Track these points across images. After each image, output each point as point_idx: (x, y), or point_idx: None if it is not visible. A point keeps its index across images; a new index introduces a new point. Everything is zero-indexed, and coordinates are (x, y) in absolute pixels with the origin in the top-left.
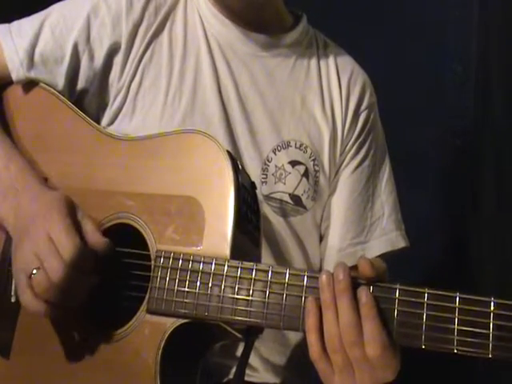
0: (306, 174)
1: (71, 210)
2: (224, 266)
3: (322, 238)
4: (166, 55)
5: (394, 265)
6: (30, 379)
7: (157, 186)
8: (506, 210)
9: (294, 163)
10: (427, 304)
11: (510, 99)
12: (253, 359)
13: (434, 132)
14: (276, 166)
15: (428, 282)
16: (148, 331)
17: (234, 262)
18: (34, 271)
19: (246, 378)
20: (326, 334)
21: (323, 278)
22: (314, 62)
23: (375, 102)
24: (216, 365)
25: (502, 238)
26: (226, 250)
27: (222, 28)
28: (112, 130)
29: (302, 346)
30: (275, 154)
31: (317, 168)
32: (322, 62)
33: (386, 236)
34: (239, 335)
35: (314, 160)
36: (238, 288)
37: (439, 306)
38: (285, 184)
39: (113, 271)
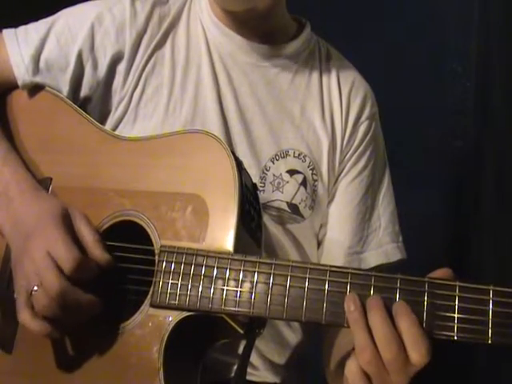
0: (303, 183)
1: (68, 222)
2: (228, 259)
3: (319, 246)
4: (169, 65)
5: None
6: (33, 374)
7: (161, 184)
8: (506, 210)
9: (292, 172)
10: (428, 292)
11: (510, 99)
12: (254, 358)
13: (435, 132)
14: (274, 175)
15: None
16: (152, 324)
17: (238, 256)
18: (35, 288)
19: (247, 377)
20: (362, 356)
21: (347, 299)
22: (315, 71)
23: (377, 112)
24: (218, 362)
25: (502, 238)
26: (229, 244)
27: (224, 38)
28: None
29: (300, 346)
30: (273, 162)
31: (315, 177)
32: (324, 72)
33: (382, 248)
34: (241, 330)
35: (312, 169)
36: (242, 281)
37: (439, 294)
38: (282, 193)
39: (117, 267)
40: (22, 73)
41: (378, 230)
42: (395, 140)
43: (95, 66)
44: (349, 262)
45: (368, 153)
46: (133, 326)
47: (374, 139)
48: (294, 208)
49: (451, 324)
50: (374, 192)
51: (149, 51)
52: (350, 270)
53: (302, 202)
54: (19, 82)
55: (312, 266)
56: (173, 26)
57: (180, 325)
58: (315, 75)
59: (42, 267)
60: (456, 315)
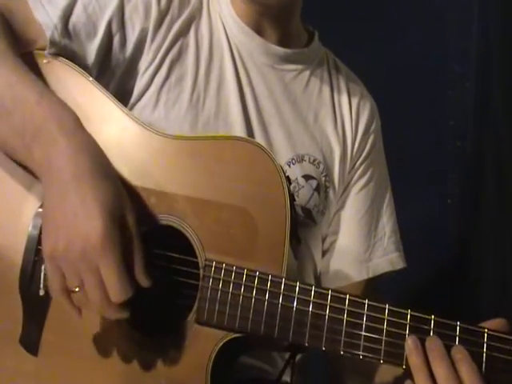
0: (317, 189)
1: (122, 232)
2: (281, 283)
3: (324, 252)
4: (193, 55)
5: None
6: (59, 379)
7: (207, 192)
8: (506, 210)
9: (307, 177)
10: (487, 344)
11: (510, 99)
12: (276, 357)
13: (435, 133)
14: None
15: (428, 281)
16: (198, 342)
17: (292, 282)
18: (77, 289)
19: (265, 375)
20: None
21: (409, 343)
22: (326, 79)
23: (380, 127)
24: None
25: (502, 238)
26: (281, 266)
27: (243, 36)
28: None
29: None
30: (289, 166)
31: (328, 184)
32: (334, 81)
33: (387, 256)
34: (285, 350)
35: (325, 176)
36: (297, 308)
37: (498, 347)
38: (298, 197)
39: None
40: (50, 28)
41: (383, 238)
42: (395, 141)
43: (124, 41)
44: (358, 270)
45: (374, 165)
46: (176, 341)
47: (379, 152)
48: (307, 213)
49: (510, 377)
50: (378, 203)
51: (171, 34)
52: (408, 312)
53: (315, 207)
54: (47, 35)
55: (370, 303)
56: (194, 17)
57: (228, 343)
58: (326, 84)
59: (89, 285)
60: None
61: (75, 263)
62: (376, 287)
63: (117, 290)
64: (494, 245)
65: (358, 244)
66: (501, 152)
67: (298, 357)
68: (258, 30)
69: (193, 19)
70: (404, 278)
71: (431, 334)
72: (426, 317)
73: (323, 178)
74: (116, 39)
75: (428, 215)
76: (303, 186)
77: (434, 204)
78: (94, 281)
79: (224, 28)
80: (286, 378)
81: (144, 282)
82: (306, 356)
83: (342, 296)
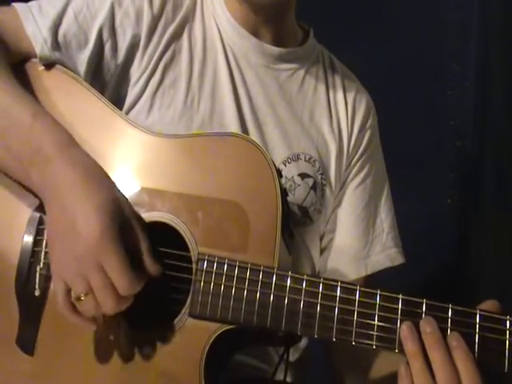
0: (314, 187)
1: (122, 225)
2: (272, 274)
3: (322, 250)
4: (186, 58)
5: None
6: (55, 379)
7: (199, 187)
8: (506, 210)
9: (303, 176)
10: (479, 325)
11: (510, 99)
12: (274, 356)
13: (434, 133)
14: (286, 178)
15: (428, 281)
16: (191, 335)
17: (283, 272)
18: (83, 297)
19: (262, 375)
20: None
21: (404, 329)
22: (321, 77)
23: (377, 123)
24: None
25: (501, 238)
26: (272, 258)
27: (237, 37)
28: None
29: (308, 346)
30: (285, 165)
31: (324, 182)
32: (329, 79)
33: (386, 252)
34: (278, 343)
35: (321, 174)
36: (289, 298)
37: (490, 327)
38: (294, 195)
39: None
40: (39, 43)
41: (381, 234)
42: (395, 141)
43: (115, 48)
44: (356, 267)
45: (371, 161)
46: (170, 335)
47: (376, 148)
48: (303, 211)
49: (502, 357)
50: (376, 199)
51: (165, 39)
52: (400, 296)
53: (312, 205)
54: (37, 50)
55: (361, 289)
56: (187, 19)
57: (220, 336)
58: (321, 82)
59: (96, 282)
60: (507, 349)
61: (81, 268)
62: (375, 285)
63: (124, 284)
64: (493, 245)
65: (355, 241)
66: (500, 151)
67: (296, 356)
68: (252, 30)
69: (186, 21)
70: (403, 277)
71: (422, 316)
72: (418, 300)
73: (319, 176)
74: (107, 47)
75: (428, 215)
76: (299, 185)
77: (433, 204)
78: (101, 279)
79: (218, 29)
80: (288, 379)
81: (154, 270)
82: (306, 356)
83: (333, 283)
